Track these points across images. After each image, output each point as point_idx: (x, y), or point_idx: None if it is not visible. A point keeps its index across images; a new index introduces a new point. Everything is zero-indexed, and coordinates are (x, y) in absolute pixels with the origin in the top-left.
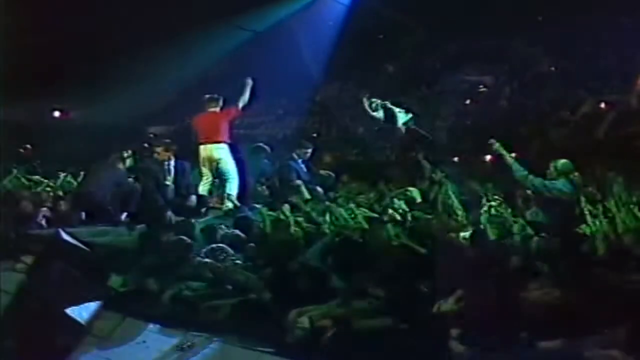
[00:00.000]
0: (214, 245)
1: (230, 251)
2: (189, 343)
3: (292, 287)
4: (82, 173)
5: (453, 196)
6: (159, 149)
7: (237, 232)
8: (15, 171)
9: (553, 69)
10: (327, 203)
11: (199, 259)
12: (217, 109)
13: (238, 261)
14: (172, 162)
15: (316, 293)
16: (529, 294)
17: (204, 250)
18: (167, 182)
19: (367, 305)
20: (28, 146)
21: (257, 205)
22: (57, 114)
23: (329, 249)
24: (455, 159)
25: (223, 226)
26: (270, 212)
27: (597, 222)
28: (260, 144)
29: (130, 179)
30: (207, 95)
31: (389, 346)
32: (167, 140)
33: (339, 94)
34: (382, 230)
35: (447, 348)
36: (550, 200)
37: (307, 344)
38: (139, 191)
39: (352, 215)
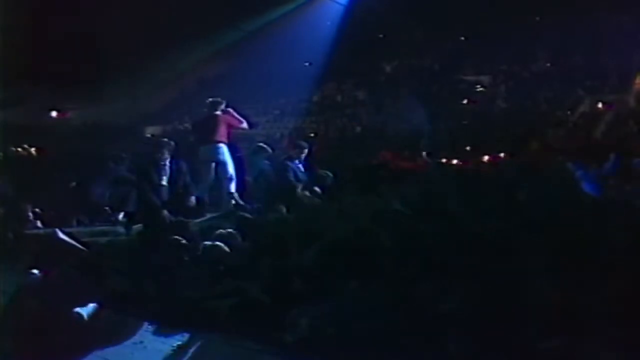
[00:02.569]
0: (222, 231)
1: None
2: (187, 343)
3: (292, 287)
4: (80, 173)
5: None
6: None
7: (233, 231)
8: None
9: (549, 65)
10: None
11: (206, 242)
12: (219, 112)
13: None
14: (168, 162)
15: (316, 293)
16: None
17: (215, 234)
18: (163, 183)
19: (367, 305)
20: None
21: (255, 205)
22: (55, 113)
23: (329, 248)
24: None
25: (220, 226)
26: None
27: None
28: (262, 144)
29: (128, 179)
30: (210, 99)
31: (389, 346)
32: (164, 140)
33: (336, 94)
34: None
35: (447, 348)
36: None
37: (307, 344)
38: (135, 191)
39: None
